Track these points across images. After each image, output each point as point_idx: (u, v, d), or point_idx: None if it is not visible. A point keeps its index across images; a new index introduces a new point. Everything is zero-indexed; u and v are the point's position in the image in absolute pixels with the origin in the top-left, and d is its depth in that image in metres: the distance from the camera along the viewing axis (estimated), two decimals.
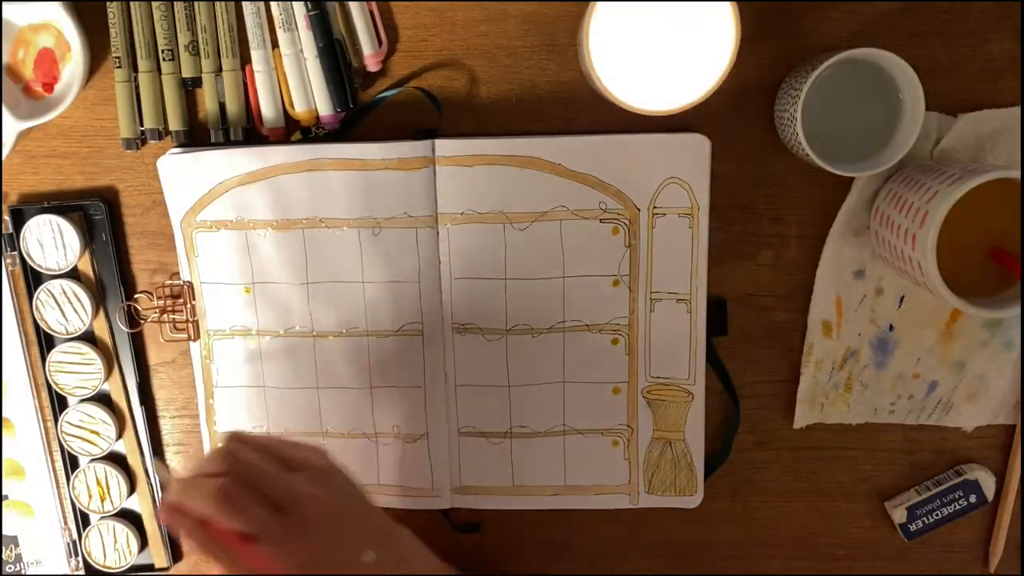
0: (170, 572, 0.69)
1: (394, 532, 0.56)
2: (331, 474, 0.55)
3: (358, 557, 0.52)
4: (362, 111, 0.63)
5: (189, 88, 0.63)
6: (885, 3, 0.61)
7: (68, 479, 0.67)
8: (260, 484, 0.51)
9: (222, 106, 0.63)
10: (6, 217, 0.65)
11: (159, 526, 0.68)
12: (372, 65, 0.62)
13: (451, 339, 0.65)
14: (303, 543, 0.50)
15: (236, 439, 0.55)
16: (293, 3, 0.61)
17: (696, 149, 0.61)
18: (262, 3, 0.61)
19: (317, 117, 0.63)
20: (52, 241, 0.64)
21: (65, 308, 0.65)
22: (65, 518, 0.68)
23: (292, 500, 0.51)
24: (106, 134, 0.64)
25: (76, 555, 0.69)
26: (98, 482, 0.67)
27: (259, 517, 0.50)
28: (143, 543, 0.69)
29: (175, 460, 0.68)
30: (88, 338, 0.66)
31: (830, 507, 0.68)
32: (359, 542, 0.53)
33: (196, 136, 0.64)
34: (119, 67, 0.62)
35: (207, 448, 0.67)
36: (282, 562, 0.49)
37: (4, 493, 0.68)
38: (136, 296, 0.66)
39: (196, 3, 0.61)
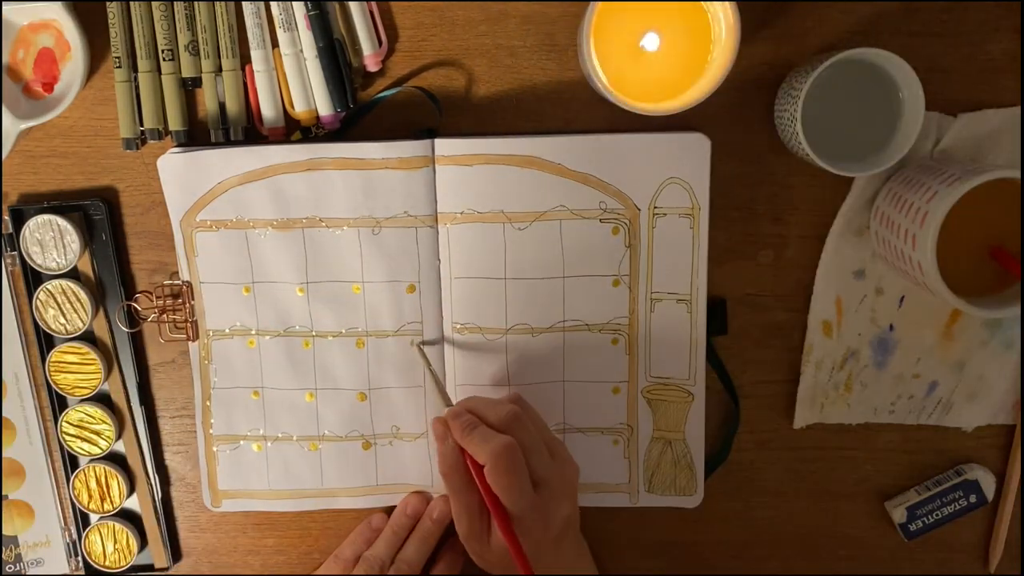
0: (170, 572, 0.69)
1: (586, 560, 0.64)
2: (577, 475, 0.59)
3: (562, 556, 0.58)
4: (362, 111, 0.63)
5: (189, 88, 0.63)
6: (885, 3, 0.61)
7: (68, 479, 0.67)
8: (529, 457, 0.55)
9: (222, 106, 0.63)
10: (6, 217, 0.65)
11: (160, 525, 0.68)
12: (372, 65, 0.62)
13: (451, 339, 0.65)
14: (541, 526, 0.55)
15: (522, 403, 0.59)
16: (293, 3, 0.61)
17: (696, 149, 0.61)
18: (262, 3, 0.62)
19: (317, 117, 0.63)
20: (52, 241, 0.64)
21: (65, 308, 0.65)
22: (65, 518, 0.68)
23: (548, 483, 0.55)
24: (106, 134, 0.64)
25: (76, 555, 0.69)
26: (98, 482, 0.67)
27: (523, 488, 0.54)
28: (143, 543, 0.69)
29: (175, 460, 0.68)
30: (88, 338, 0.66)
31: (830, 507, 0.68)
32: (572, 548, 0.60)
33: (196, 136, 0.64)
34: (119, 67, 0.62)
35: (203, 450, 0.67)
36: (521, 537, 0.53)
37: (4, 493, 0.68)
38: (136, 296, 0.66)
39: (196, 3, 0.61)
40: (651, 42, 0.56)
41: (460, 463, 0.55)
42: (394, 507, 0.67)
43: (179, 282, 0.65)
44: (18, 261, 0.65)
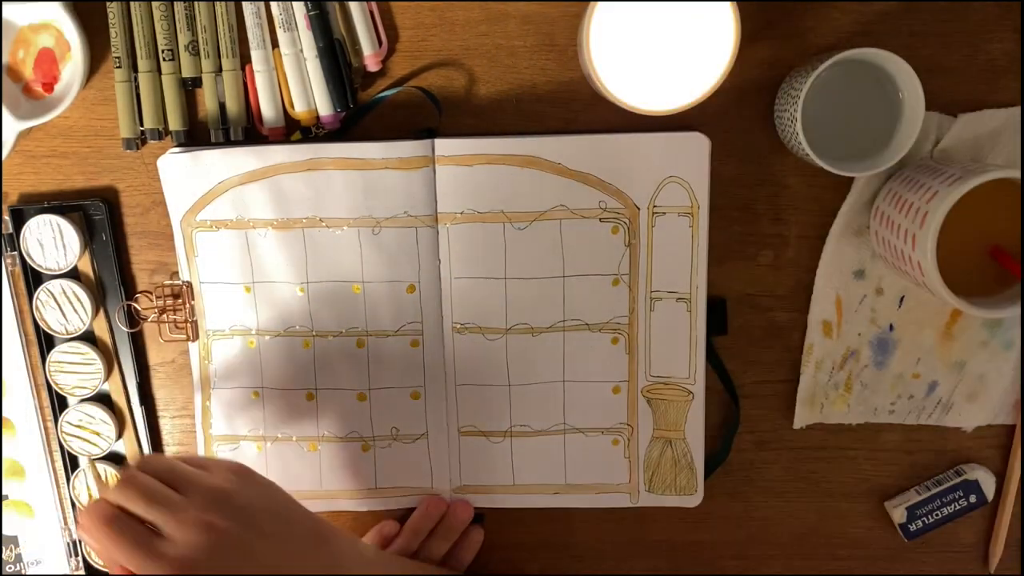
0: None
1: (328, 540, 0.56)
2: (228, 495, 0.53)
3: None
4: (362, 111, 0.63)
5: (189, 88, 0.63)
6: (885, 3, 0.61)
7: (68, 479, 0.67)
8: (145, 510, 0.50)
9: (222, 106, 0.63)
10: (6, 217, 0.65)
11: None
12: (372, 65, 0.62)
13: (451, 339, 0.65)
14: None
15: (137, 464, 0.53)
16: (293, 3, 0.61)
17: (696, 149, 0.61)
18: (262, 3, 0.62)
19: (317, 117, 0.63)
20: (52, 241, 0.64)
21: (65, 308, 0.65)
22: (65, 518, 0.68)
23: (174, 530, 0.49)
24: (106, 134, 0.64)
25: (76, 555, 0.69)
26: (98, 482, 0.67)
27: (131, 548, 0.49)
28: None
29: None
30: (88, 338, 0.66)
31: (830, 507, 0.68)
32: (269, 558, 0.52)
33: (196, 136, 0.64)
34: (119, 67, 0.62)
35: (203, 450, 0.67)
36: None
37: (4, 493, 0.68)
38: (136, 296, 0.66)
39: (196, 3, 0.61)
40: (651, 42, 0.56)
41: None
42: (392, 510, 0.68)
43: (179, 282, 0.65)
44: (18, 261, 0.65)
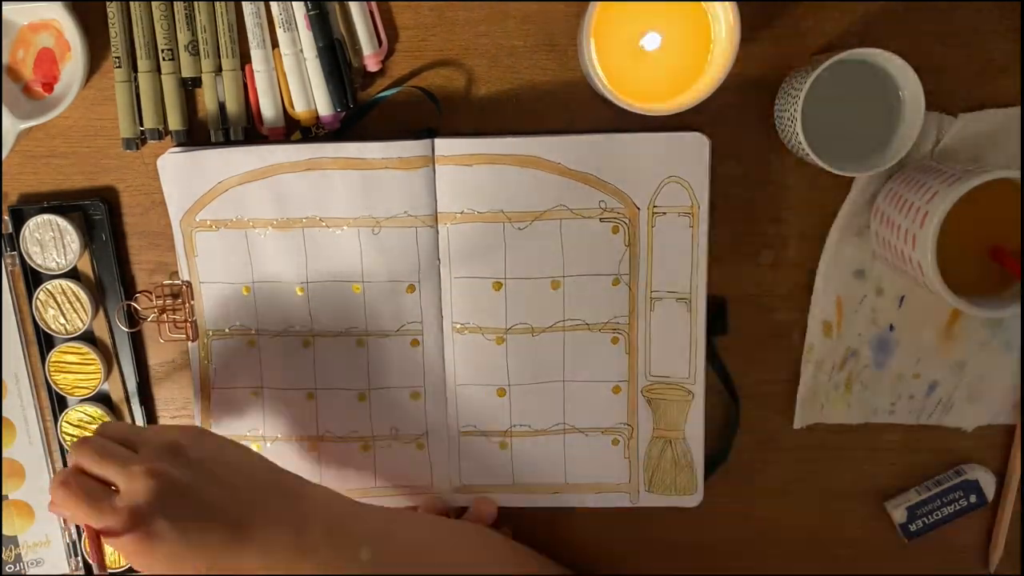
0: None
1: (300, 493, 0.55)
2: (180, 447, 0.53)
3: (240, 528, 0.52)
4: (362, 111, 0.63)
5: (189, 88, 0.63)
6: (885, 3, 0.61)
7: None
8: (103, 470, 0.52)
9: (222, 106, 0.63)
10: (6, 217, 0.65)
11: None
12: (372, 65, 0.62)
13: (451, 339, 0.65)
14: (142, 527, 0.50)
15: (94, 433, 0.56)
16: (293, 3, 0.61)
17: (696, 149, 0.61)
18: (262, 3, 0.62)
19: (317, 117, 0.63)
20: (52, 241, 0.64)
21: (65, 308, 0.65)
22: (65, 518, 0.68)
23: (125, 482, 0.51)
24: (106, 134, 0.64)
25: (76, 555, 0.69)
26: None
27: (84, 504, 0.50)
28: None
29: None
30: (88, 338, 0.66)
31: (830, 507, 0.68)
32: (235, 509, 0.52)
33: (196, 136, 0.64)
34: (119, 67, 0.62)
35: None
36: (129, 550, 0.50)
37: (4, 493, 0.68)
38: (136, 296, 0.66)
39: (196, 3, 0.61)
40: (651, 42, 0.56)
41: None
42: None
43: (179, 282, 0.65)
44: (18, 261, 0.65)
